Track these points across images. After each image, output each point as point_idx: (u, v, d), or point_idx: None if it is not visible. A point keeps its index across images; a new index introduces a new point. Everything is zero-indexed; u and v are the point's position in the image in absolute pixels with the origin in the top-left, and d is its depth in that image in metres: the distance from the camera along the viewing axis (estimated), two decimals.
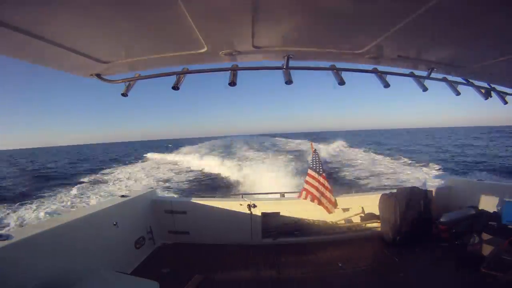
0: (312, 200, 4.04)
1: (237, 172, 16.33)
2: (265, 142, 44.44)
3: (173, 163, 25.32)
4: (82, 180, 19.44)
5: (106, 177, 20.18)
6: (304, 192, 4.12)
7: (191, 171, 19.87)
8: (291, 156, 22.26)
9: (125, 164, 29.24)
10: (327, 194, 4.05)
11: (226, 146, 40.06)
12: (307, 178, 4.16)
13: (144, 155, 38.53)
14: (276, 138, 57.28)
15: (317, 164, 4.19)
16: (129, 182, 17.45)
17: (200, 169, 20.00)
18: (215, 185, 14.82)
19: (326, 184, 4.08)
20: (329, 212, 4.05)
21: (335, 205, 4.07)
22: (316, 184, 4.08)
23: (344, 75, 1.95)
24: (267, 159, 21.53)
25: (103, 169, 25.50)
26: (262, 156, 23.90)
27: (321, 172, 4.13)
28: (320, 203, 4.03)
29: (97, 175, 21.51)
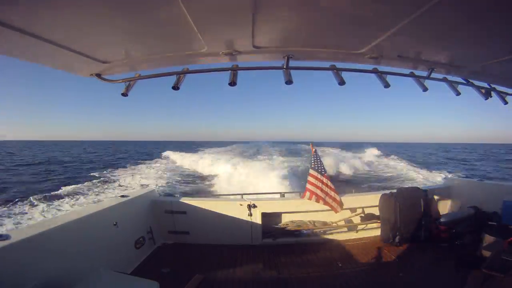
0: (317, 201, 4.05)
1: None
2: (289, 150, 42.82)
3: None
4: None
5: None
6: (308, 193, 4.12)
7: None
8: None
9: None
10: (332, 193, 4.06)
11: (252, 152, 38.72)
12: (309, 179, 4.16)
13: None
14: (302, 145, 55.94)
15: (319, 164, 4.20)
16: None
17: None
18: (219, 185, 14.73)
19: (329, 184, 4.09)
20: (336, 211, 4.06)
21: (340, 204, 4.08)
22: (319, 184, 4.09)
23: (344, 75, 1.95)
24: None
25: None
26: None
27: (323, 172, 4.14)
28: (325, 203, 4.04)
29: None
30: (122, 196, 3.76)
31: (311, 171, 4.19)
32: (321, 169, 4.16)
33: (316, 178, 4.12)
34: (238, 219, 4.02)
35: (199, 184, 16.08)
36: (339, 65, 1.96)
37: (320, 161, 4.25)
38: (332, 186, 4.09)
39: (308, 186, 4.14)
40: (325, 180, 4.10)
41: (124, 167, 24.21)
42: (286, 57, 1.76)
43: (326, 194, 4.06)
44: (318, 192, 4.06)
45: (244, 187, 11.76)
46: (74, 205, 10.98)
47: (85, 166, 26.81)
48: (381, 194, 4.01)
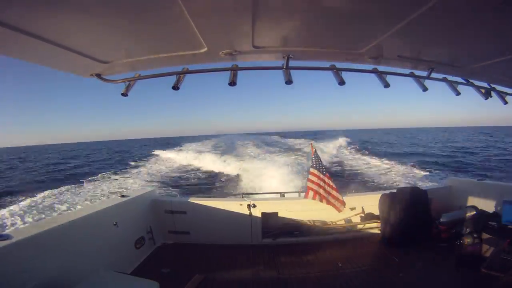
0: (321, 200, 4.06)
1: (236, 170, 16.33)
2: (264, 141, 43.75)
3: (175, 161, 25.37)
4: None
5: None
6: (311, 192, 4.11)
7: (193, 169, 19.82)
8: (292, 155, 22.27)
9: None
10: (334, 193, 4.07)
11: (226, 145, 39.71)
12: (311, 177, 4.16)
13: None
14: (274, 137, 56.62)
15: (319, 164, 4.21)
16: None
17: (199, 167, 19.99)
18: (214, 183, 14.90)
19: (331, 183, 4.10)
20: (339, 210, 4.07)
21: (343, 203, 4.08)
22: (322, 183, 4.10)
23: (344, 75, 1.95)
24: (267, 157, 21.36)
25: None
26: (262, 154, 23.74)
27: (324, 172, 4.16)
28: (328, 202, 4.05)
29: None
30: (122, 196, 3.76)
31: (312, 170, 4.18)
32: (322, 169, 4.18)
33: (318, 177, 4.12)
34: (238, 219, 4.02)
35: None
36: (339, 65, 1.96)
37: (320, 161, 4.26)
38: (334, 186, 4.10)
39: (311, 185, 4.13)
40: (327, 179, 4.11)
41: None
42: (286, 57, 1.76)
43: (329, 193, 4.07)
44: (321, 191, 4.07)
45: None
46: None
47: None
48: (381, 194, 4.01)
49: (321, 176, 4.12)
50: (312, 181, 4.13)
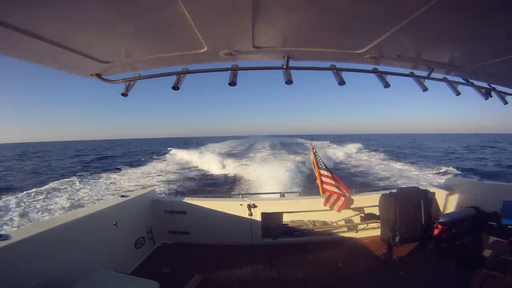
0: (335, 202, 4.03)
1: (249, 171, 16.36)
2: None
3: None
4: None
5: None
6: (334, 196, 4.05)
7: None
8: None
9: None
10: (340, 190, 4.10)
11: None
12: (325, 179, 4.16)
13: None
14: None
15: (322, 162, 4.25)
16: None
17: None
18: (221, 184, 14.99)
19: (335, 181, 4.13)
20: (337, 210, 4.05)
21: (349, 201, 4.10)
22: (335, 182, 4.12)
23: (345, 75, 1.95)
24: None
25: None
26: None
27: (323, 167, 4.21)
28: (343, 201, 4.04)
29: None
30: (122, 196, 3.76)
31: (322, 172, 4.19)
32: (325, 167, 4.22)
33: (328, 177, 4.15)
34: (238, 219, 4.02)
35: None
36: (339, 65, 1.96)
37: (322, 160, 4.30)
38: (334, 183, 4.11)
39: (329, 188, 4.11)
40: (335, 177, 4.16)
41: None
42: (286, 57, 1.76)
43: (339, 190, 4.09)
44: (336, 190, 4.07)
45: None
46: None
47: None
48: (381, 194, 4.01)
49: (330, 175, 4.15)
50: (327, 183, 4.11)
